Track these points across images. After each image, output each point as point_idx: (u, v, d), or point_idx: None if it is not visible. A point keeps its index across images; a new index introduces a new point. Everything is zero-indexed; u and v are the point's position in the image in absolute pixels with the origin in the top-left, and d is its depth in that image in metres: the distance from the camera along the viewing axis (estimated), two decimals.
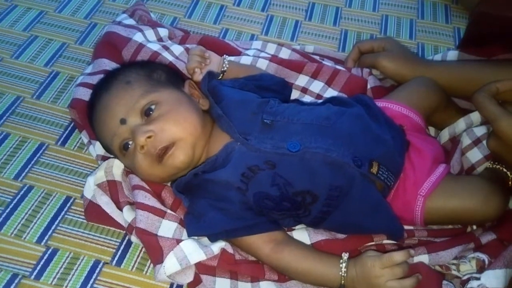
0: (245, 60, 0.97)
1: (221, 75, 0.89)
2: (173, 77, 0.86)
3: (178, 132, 0.74)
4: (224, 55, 0.91)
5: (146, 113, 0.76)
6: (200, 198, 0.75)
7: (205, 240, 0.74)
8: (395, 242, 0.76)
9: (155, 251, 0.71)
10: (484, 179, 0.78)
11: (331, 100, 0.87)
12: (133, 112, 0.76)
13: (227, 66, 0.89)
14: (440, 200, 0.75)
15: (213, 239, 0.74)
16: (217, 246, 0.72)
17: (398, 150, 0.78)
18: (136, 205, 0.75)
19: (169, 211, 0.76)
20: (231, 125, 0.76)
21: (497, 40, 0.93)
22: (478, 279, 0.68)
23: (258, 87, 0.86)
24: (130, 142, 0.76)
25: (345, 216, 0.73)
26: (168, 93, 0.79)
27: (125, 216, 0.76)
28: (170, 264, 0.69)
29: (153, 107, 0.76)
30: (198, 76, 0.88)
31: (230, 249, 0.73)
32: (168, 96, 0.78)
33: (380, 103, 0.85)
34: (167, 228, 0.74)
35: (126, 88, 0.78)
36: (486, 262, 0.70)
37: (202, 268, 0.72)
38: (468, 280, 0.69)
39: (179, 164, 0.74)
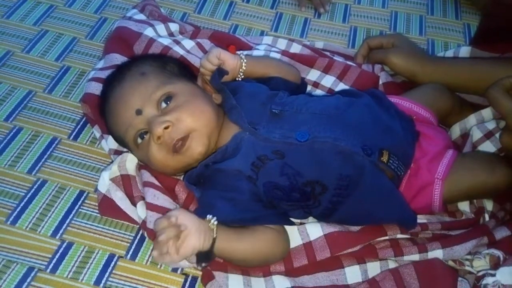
0: (256, 54, 0.97)
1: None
2: (185, 70, 0.86)
3: (194, 123, 0.74)
4: (240, 55, 0.84)
5: (163, 104, 0.76)
6: (210, 189, 0.75)
7: None
8: (408, 237, 0.76)
9: None
10: (488, 152, 0.80)
11: (341, 92, 0.87)
12: (149, 103, 0.76)
13: (243, 76, 0.84)
14: (455, 179, 0.76)
15: None
16: None
17: (408, 140, 0.78)
18: (146, 205, 0.75)
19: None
20: (242, 115, 0.76)
21: (510, 35, 0.92)
22: (493, 275, 0.68)
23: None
24: (146, 133, 0.76)
25: (356, 206, 0.73)
26: (183, 85, 0.79)
27: (139, 212, 0.76)
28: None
29: (170, 98, 0.76)
30: None
31: None
32: (183, 88, 0.78)
33: (391, 99, 0.85)
34: None
35: (141, 80, 0.78)
36: (501, 258, 0.70)
37: (214, 264, 0.72)
38: (483, 276, 0.69)
39: (198, 155, 0.74)
